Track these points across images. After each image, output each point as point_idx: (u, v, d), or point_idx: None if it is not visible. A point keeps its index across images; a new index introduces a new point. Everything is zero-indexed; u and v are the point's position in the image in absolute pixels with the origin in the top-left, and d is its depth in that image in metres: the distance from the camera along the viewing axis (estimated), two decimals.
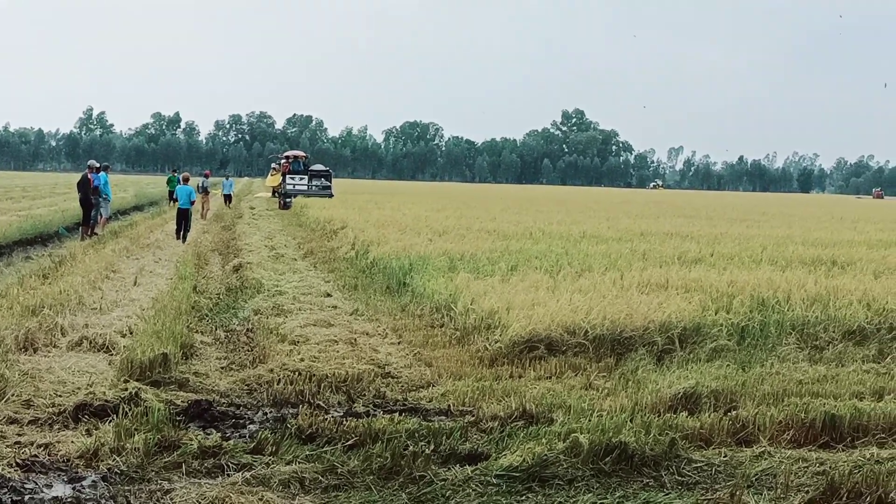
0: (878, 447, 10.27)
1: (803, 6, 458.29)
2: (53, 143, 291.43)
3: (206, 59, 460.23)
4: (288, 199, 62.51)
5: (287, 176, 68.86)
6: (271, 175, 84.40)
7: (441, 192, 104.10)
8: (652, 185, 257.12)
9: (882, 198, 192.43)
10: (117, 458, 9.09)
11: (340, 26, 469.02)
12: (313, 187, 68.59)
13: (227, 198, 64.50)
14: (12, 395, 11.22)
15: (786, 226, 47.27)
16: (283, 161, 76.08)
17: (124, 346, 14.01)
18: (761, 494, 8.63)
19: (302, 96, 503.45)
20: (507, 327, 15.13)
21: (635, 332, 15.23)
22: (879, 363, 14.77)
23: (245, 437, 10.37)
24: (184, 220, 34.19)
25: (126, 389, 11.56)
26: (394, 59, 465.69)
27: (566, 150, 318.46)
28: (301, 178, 69.05)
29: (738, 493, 8.42)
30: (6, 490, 8.28)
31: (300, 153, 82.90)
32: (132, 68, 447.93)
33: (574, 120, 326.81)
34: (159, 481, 8.65)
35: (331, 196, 65.84)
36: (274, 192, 75.46)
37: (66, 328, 15.23)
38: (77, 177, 38.35)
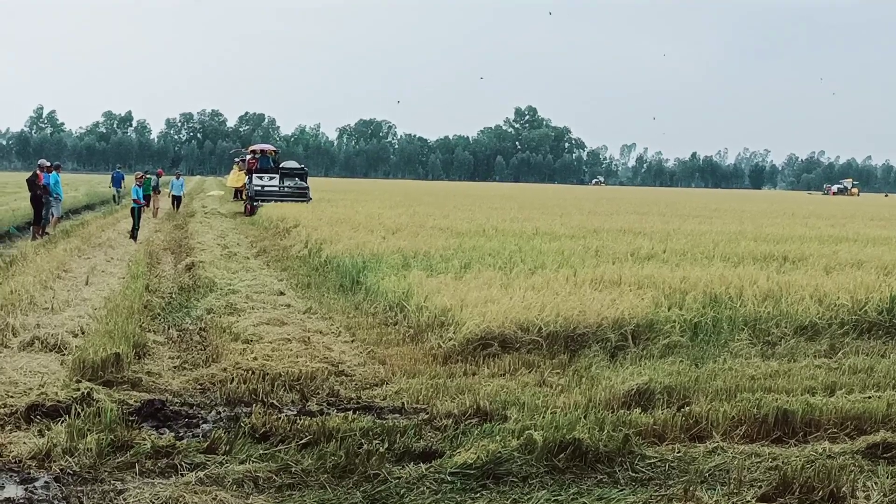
0: (830, 442, 10.38)
1: (756, 3, 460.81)
2: (3, 142, 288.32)
3: (158, 58, 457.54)
4: (256, 204, 51.61)
5: (254, 175, 56.32)
6: (234, 174, 72.23)
7: (394, 190, 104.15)
8: (594, 181, 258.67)
9: (833, 193, 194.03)
10: (70, 459, 9.02)
11: (293, 23, 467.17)
12: (286, 188, 55.38)
13: (176, 200, 56.27)
14: None
15: (738, 222, 47.50)
16: (248, 157, 63.69)
17: (76, 346, 13.89)
18: (714, 490, 8.67)
19: (254, 95, 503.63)
20: (461, 325, 15.13)
21: (589, 329, 15.27)
22: (831, 358, 14.89)
23: (198, 436, 10.32)
24: (134, 218, 34.10)
25: (78, 390, 11.46)
26: (347, 57, 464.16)
27: (519, 147, 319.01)
28: (271, 178, 55.76)
29: (691, 488, 8.46)
30: None
31: (269, 147, 67.35)
32: (83, 67, 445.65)
33: (527, 117, 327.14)
34: (112, 482, 8.60)
35: (308, 199, 54.19)
36: (237, 194, 65.69)
37: (17, 328, 15.10)
38: (27, 176, 37.98)
